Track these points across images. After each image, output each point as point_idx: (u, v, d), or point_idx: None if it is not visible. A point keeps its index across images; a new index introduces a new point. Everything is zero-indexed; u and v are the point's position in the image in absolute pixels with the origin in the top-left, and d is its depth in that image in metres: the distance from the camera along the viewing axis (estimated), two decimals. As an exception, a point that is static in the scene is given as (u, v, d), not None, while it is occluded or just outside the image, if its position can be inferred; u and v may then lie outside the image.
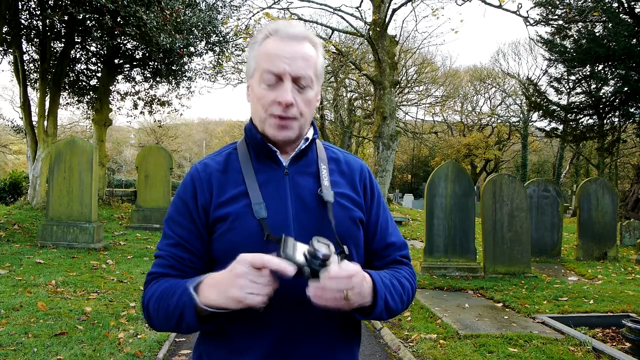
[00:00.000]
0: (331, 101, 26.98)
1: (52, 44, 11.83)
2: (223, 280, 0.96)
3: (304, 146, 1.15)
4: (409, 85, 29.14)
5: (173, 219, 1.13)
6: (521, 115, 31.15)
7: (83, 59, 13.89)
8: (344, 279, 0.93)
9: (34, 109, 12.09)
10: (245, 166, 1.13)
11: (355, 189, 1.19)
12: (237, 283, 0.92)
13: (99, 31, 10.53)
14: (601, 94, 18.07)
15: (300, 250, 0.95)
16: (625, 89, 15.51)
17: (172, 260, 1.10)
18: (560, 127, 20.86)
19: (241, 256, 0.95)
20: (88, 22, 10.15)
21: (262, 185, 1.10)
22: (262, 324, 1.05)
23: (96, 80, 14.26)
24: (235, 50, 14.79)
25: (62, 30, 11.52)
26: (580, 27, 16.56)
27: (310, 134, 1.18)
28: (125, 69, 14.56)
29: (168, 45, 9.74)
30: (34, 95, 12.81)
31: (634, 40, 14.62)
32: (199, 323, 1.00)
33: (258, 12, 14.42)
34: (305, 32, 1.11)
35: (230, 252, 1.07)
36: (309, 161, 1.17)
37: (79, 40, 12.53)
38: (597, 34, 15.59)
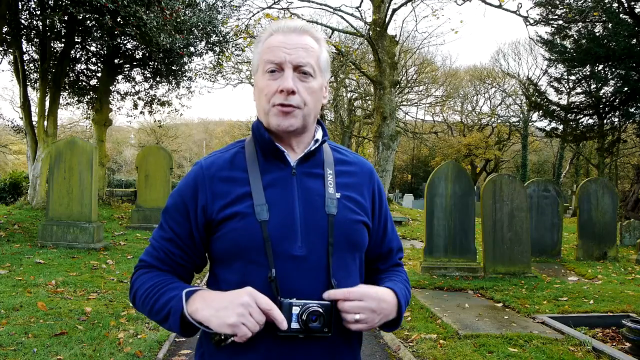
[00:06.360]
0: (331, 101, 26.97)
1: (52, 44, 11.82)
2: (222, 301, 0.99)
3: (313, 147, 1.15)
4: (409, 85, 29.15)
5: (170, 212, 1.15)
6: (521, 115, 31.12)
7: (83, 59, 13.87)
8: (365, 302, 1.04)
9: (34, 109, 12.08)
10: (252, 166, 1.12)
11: (363, 193, 1.19)
12: (237, 310, 0.96)
13: (99, 31, 10.52)
14: (601, 94, 18.07)
15: (295, 312, 1.00)
16: (625, 89, 15.49)
17: (163, 254, 1.14)
18: (560, 127, 20.85)
19: (251, 289, 0.99)
20: (88, 22, 10.13)
21: (269, 186, 1.10)
22: (265, 324, 1.05)
23: (96, 80, 14.25)
24: (235, 50, 14.80)
25: (62, 30, 11.50)
26: (580, 27, 16.55)
27: (319, 135, 1.17)
28: (125, 69, 14.55)
29: (168, 45, 9.74)
30: (34, 95, 12.80)
31: (634, 40, 14.61)
32: (181, 329, 1.04)
33: (258, 12, 14.46)
34: (307, 26, 1.13)
35: (232, 252, 1.08)
36: (317, 162, 1.16)
37: (79, 40, 12.52)
38: (597, 34, 15.57)
